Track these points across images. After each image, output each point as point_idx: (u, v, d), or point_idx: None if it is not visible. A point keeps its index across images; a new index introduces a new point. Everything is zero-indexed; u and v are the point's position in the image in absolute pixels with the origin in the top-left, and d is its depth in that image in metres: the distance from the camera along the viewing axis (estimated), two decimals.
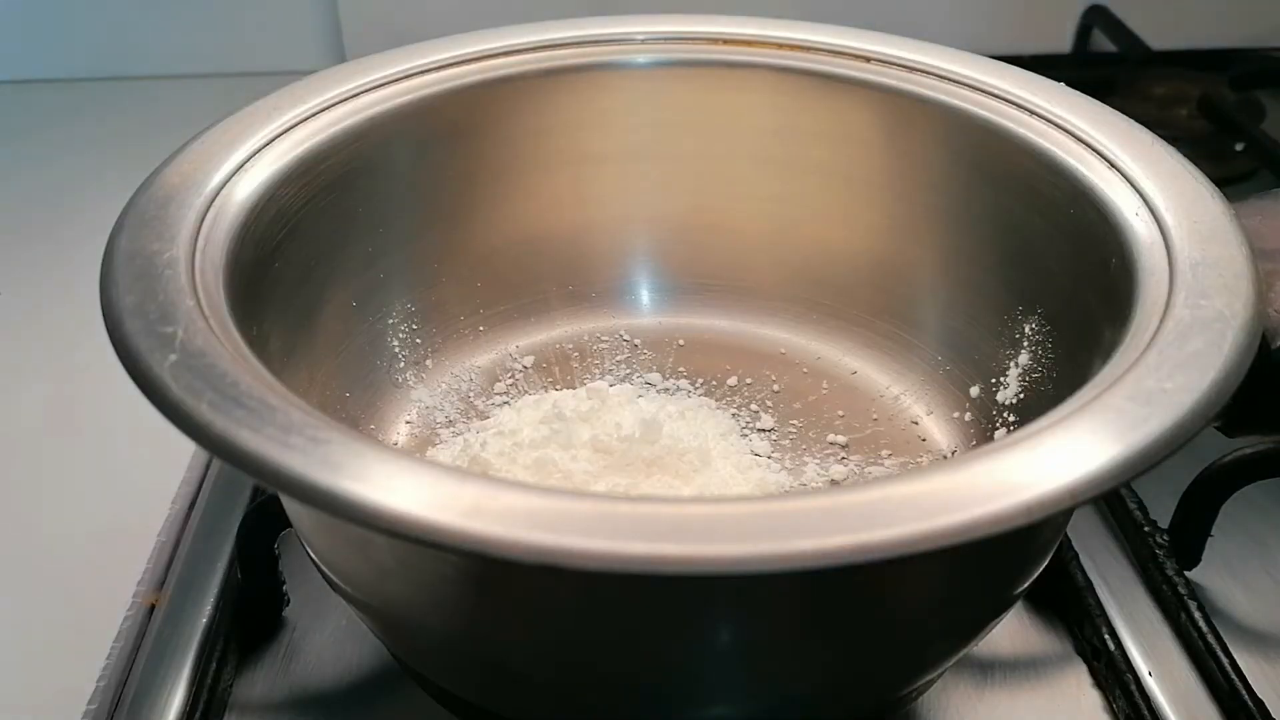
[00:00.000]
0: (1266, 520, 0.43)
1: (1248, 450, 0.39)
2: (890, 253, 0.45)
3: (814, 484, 0.41)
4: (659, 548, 0.23)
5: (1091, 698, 0.37)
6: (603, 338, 0.48)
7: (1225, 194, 0.34)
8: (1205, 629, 0.37)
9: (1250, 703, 0.35)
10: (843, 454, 0.43)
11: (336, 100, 0.40)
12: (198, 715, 0.35)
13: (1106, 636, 0.37)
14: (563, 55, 0.44)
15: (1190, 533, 0.40)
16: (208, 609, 0.38)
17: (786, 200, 0.46)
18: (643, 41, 0.45)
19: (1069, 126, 0.38)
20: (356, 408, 0.42)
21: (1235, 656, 0.36)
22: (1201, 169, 0.35)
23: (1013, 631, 0.39)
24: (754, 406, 0.45)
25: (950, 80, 0.41)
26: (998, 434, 0.41)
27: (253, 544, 0.38)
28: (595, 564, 0.23)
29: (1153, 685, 0.36)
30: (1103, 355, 0.30)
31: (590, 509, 0.24)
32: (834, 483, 0.41)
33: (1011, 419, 0.40)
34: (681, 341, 0.48)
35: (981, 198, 0.41)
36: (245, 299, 0.32)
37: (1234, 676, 0.36)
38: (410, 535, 0.23)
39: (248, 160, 0.36)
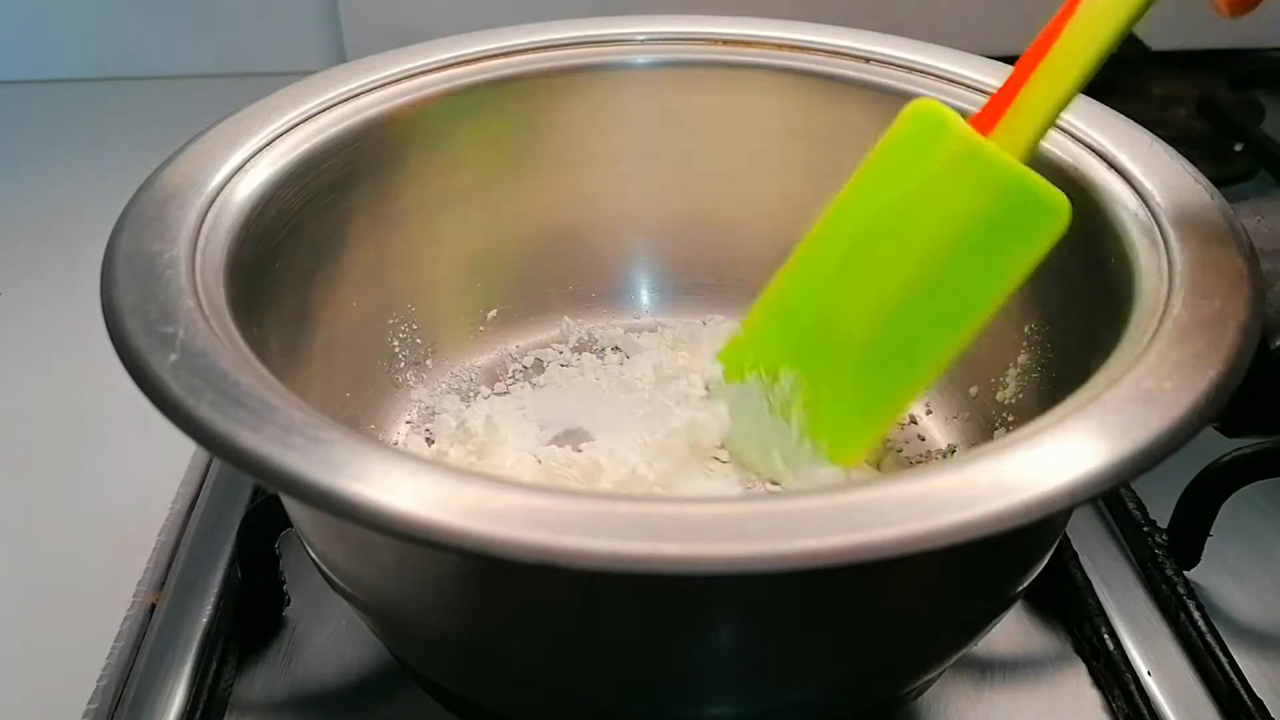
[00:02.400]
0: (1266, 520, 0.43)
1: (1247, 450, 0.39)
2: None
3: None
4: (659, 548, 0.23)
5: (1091, 697, 0.37)
6: (603, 338, 0.48)
7: (1225, 194, 0.34)
8: (1204, 628, 0.37)
9: (1249, 702, 0.35)
10: None
11: (336, 100, 0.40)
12: (198, 715, 0.35)
13: (1106, 636, 0.37)
14: (563, 55, 0.45)
15: (1189, 532, 0.40)
16: (208, 609, 0.38)
17: (786, 200, 0.46)
18: (643, 41, 0.45)
19: (1069, 126, 0.38)
20: (356, 408, 0.42)
21: (1234, 656, 0.36)
22: (1201, 169, 0.35)
23: (1012, 631, 0.39)
24: None
25: (950, 80, 0.41)
26: (997, 434, 0.41)
27: (253, 544, 0.38)
28: (595, 564, 0.23)
29: (1152, 685, 0.36)
30: (1102, 355, 0.30)
31: (590, 509, 0.24)
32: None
33: (1011, 419, 0.40)
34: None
35: None
36: (246, 299, 0.32)
37: (1233, 676, 0.36)
38: (410, 535, 0.23)
39: (248, 160, 0.36)
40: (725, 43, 0.45)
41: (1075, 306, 0.36)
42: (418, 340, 0.45)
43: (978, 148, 0.35)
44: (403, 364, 0.45)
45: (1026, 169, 0.34)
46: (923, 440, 0.44)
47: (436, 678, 0.34)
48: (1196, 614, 0.38)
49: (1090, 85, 0.41)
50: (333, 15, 0.79)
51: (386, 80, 0.41)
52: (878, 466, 0.42)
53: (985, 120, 0.35)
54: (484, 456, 0.41)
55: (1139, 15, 0.32)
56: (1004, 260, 0.35)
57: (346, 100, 0.40)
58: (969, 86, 0.41)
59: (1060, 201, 0.34)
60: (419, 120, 0.42)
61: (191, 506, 0.43)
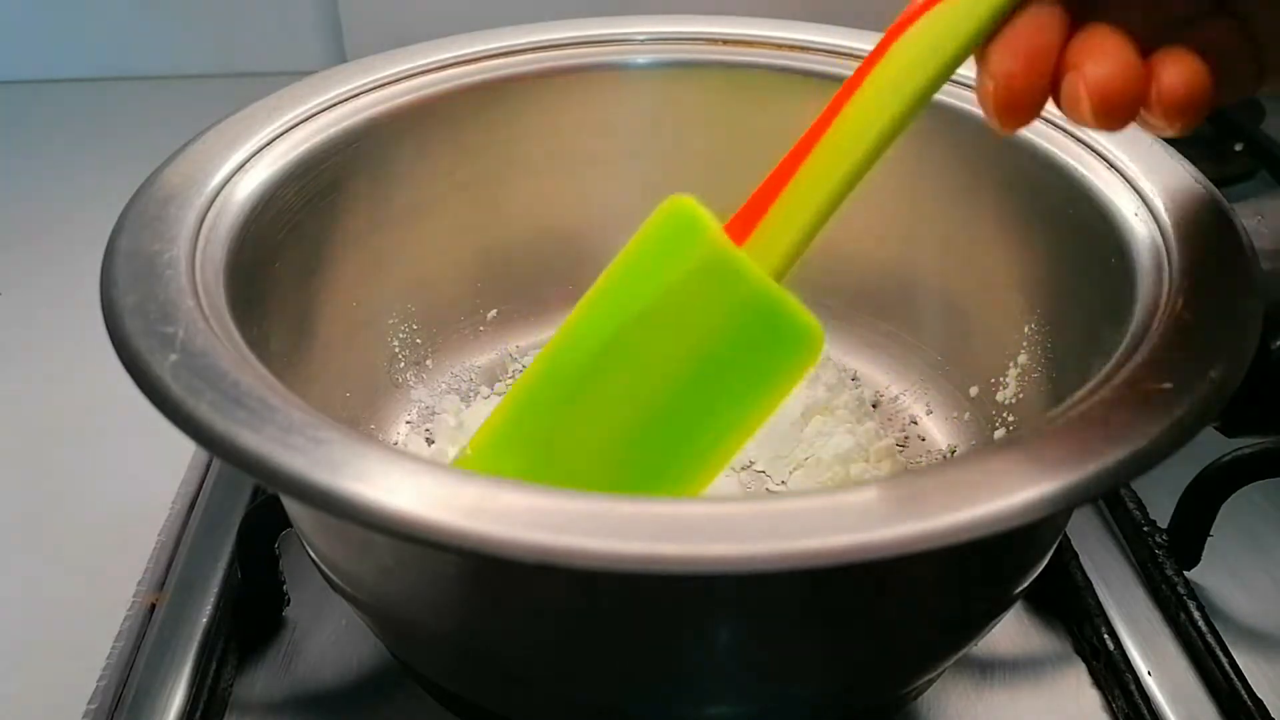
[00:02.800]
0: (1266, 520, 0.43)
1: (1247, 450, 0.39)
2: (889, 253, 0.45)
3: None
4: (659, 548, 0.23)
5: (1091, 697, 0.37)
6: None
7: (1225, 194, 0.34)
8: (1204, 629, 0.37)
9: (1249, 702, 0.35)
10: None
11: (336, 101, 0.40)
12: (198, 715, 0.35)
13: (1106, 636, 0.37)
14: (563, 55, 0.45)
15: (1189, 532, 0.40)
16: (208, 609, 0.38)
17: None
18: (643, 41, 0.45)
19: (1068, 127, 0.38)
20: (356, 408, 0.42)
21: (1234, 656, 0.36)
22: (1201, 169, 0.35)
23: (1012, 631, 0.39)
24: None
25: (949, 80, 0.41)
26: (997, 434, 0.41)
27: (253, 544, 0.38)
28: (595, 564, 0.23)
29: (1152, 685, 0.36)
30: (1102, 355, 0.30)
31: (590, 509, 0.24)
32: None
33: (1011, 419, 0.40)
34: None
35: (980, 198, 0.41)
36: (246, 299, 0.32)
37: (1233, 676, 0.36)
38: (410, 535, 0.23)
39: (248, 160, 0.36)
40: (725, 43, 0.45)
41: (1075, 306, 0.36)
42: (418, 340, 0.45)
43: (727, 258, 0.30)
44: (403, 364, 0.45)
45: (778, 288, 0.30)
46: (923, 440, 0.44)
47: (436, 678, 0.34)
48: (1196, 614, 0.38)
49: None
50: (333, 15, 0.79)
51: (386, 80, 0.41)
52: None
53: (743, 224, 0.30)
54: None
55: (908, 119, 0.28)
56: (754, 385, 0.31)
57: (346, 100, 0.40)
58: (969, 87, 0.41)
59: (811, 330, 0.30)
60: (419, 120, 0.42)
61: (191, 506, 0.43)
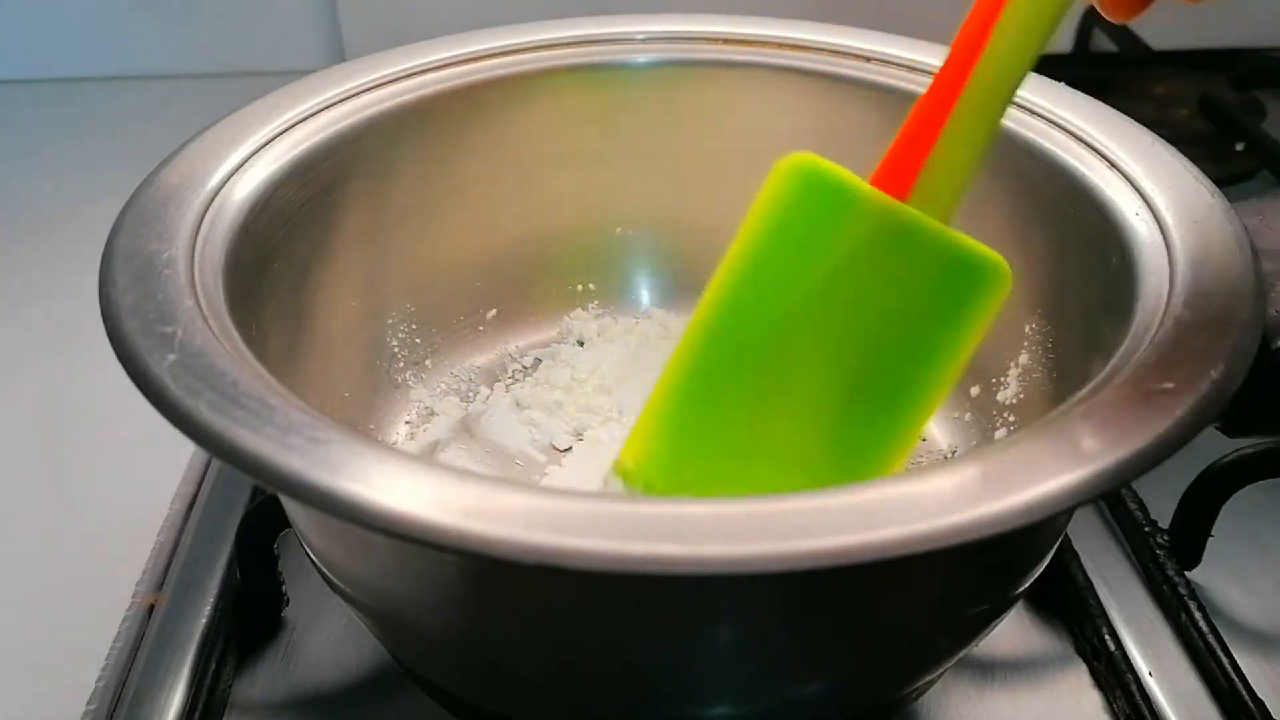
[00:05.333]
0: (1266, 520, 0.43)
1: (1248, 450, 0.39)
2: None
3: None
4: (659, 548, 0.23)
5: (1092, 698, 0.37)
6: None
7: (1225, 194, 0.34)
8: (1205, 629, 0.37)
9: (1250, 703, 0.35)
10: None
11: (336, 100, 0.40)
12: (197, 715, 0.35)
13: (1107, 637, 0.37)
14: (563, 55, 0.44)
15: (1190, 533, 0.40)
16: (207, 609, 0.38)
17: None
18: (643, 41, 0.45)
19: (1069, 126, 0.38)
20: (356, 408, 0.42)
21: (1235, 657, 0.36)
22: (1201, 169, 0.35)
23: (1013, 631, 0.39)
24: None
25: None
26: (998, 434, 0.41)
27: (252, 544, 0.38)
28: (595, 564, 0.23)
29: (1153, 685, 0.36)
30: (1103, 355, 0.30)
31: (590, 509, 0.24)
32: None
33: (1011, 419, 0.40)
34: None
35: (981, 197, 0.41)
36: (244, 299, 0.32)
37: (1234, 677, 0.36)
38: (410, 535, 0.23)
39: (247, 160, 0.36)
40: (725, 42, 0.45)
41: (1077, 306, 0.36)
42: (417, 340, 0.45)
43: (904, 219, 0.30)
44: (402, 364, 0.45)
45: (961, 236, 0.31)
46: (923, 440, 0.44)
47: (435, 678, 0.34)
48: (1198, 614, 0.38)
49: (1091, 85, 0.41)
50: (332, 15, 0.79)
51: (385, 79, 0.41)
52: None
53: (894, 178, 0.30)
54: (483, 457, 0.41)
55: (1046, 42, 0.29)
56: (949, 333, 0.31)
57: (345, 99, 0.40)
58: None
59: (998, 265, 0.31)
60: (417, 119, 0.42)
61: (191, 506, 0.43)
